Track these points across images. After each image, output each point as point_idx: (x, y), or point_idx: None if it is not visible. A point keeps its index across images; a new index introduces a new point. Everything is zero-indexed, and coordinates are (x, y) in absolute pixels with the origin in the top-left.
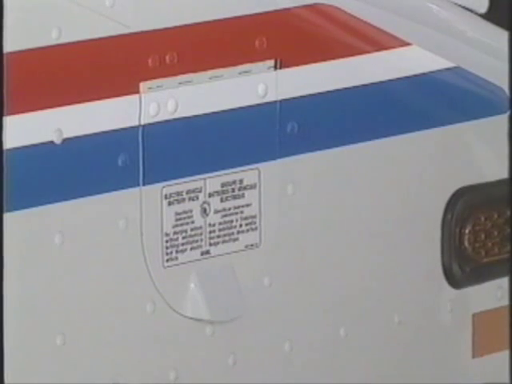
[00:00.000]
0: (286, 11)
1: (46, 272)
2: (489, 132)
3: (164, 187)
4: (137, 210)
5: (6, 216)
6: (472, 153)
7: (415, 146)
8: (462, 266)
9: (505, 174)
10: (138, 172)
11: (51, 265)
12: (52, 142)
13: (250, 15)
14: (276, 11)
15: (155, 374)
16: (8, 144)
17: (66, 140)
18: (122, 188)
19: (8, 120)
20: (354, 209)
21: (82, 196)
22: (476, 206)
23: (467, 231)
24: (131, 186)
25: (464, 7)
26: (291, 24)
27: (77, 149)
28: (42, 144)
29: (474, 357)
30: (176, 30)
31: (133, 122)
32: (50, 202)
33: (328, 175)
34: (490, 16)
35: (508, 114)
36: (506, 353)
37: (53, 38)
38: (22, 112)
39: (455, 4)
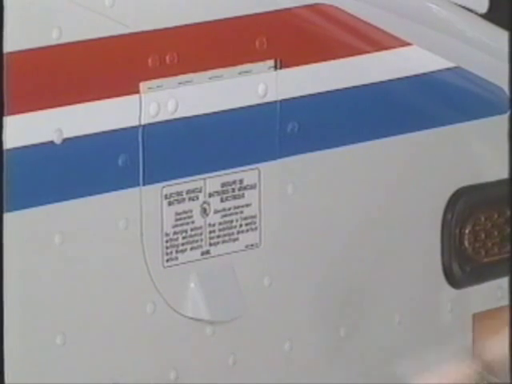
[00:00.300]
0: (286, 11)
1: (46, 272)
2: (489, 132)
3: (164, 187)
4: (137, 210)
5: (6, 216)
6: (472, 153)
7: (415, 146)
8: (462, 266)
9: (505, 174)
10: (137, 172)
11: (51, 265)
12: (52, 142)
13: (251, 15)
14: (276, 11)
15: (155, 373)
16: (8, 144)
17: (66, 140)
18: (122, 188)
19: (8, 120)
20: (353, 209)
21: (82, 196)
22: (476, 206)
23: (467, 231)
24: (131, 186)
25: (464, 7)
26: (291, 24)
27: (77, 149)
28: (42, 144)
29: (473, 357)
30: (176, 30)
31: (133, 122)
32: (49, 202)
33: (328, 175)
34: (490, 16)
35: (508, 113)
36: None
37: (53, 37)
38: (22, 112)
39: (455, 4)
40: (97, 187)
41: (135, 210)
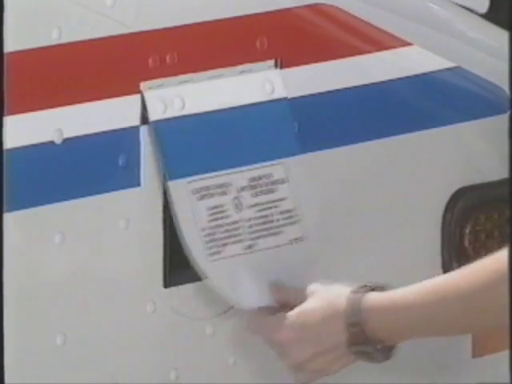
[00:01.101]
0: (286, 11)
1: (45, 272)
2: (489, 132)
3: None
4: (137, 210)
5: (6, 216)
6: (472, 153)
7: (415, 146)
8: (462, 266)
9: (505, 174)
10: (138, 172)
11: (51, 265)
12: (52, 142)
13: (251, 15)
14: (277, 11)
15: (155, 373)
16: (8, 144)
17: (66, 140)
18: (122, 188)
19: (8, 120)
20: (353, 209)
21: (82, 196)
22: (476, 206)
23: (467, 231)
24: (131, 186)
25: (464, 7)
26: (292, 24)
27: (77, 149)
28: (42, 144)
29: (473, 357)
30: (176, 30)
31: (133, 121)
32: (49, 202)
33: (328, 175)
34: (490, 16)
35: (508, 113)
36: (506, 353)
37: (53, 38)
38: (22, 112)
39: (455, 4)
40: (97, 187)
41: (135, 210)
